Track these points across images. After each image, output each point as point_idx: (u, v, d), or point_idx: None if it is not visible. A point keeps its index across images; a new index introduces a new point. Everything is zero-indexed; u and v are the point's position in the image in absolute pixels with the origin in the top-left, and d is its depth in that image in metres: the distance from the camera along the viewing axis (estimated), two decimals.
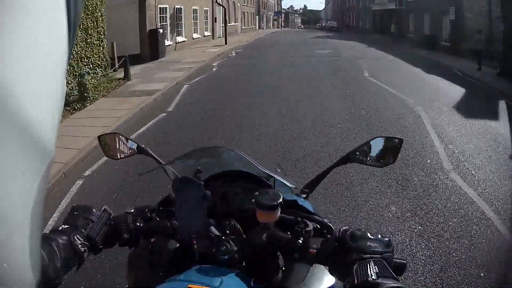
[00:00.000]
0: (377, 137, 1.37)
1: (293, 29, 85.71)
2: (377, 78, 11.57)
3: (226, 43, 23.04)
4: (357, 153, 1.38)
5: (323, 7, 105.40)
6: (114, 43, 11.96)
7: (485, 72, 13.55)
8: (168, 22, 19.40)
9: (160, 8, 18.28)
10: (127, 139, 1.50)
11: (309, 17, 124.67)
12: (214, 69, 14.40)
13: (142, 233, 1.09)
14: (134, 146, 1.49)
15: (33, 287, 0.47)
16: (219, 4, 26.41)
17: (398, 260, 0.95)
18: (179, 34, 21.23)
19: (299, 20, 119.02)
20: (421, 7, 27.98)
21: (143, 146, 1.49)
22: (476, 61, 14.51)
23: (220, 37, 28.92)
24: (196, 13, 24.19)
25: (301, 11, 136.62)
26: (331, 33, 44.78)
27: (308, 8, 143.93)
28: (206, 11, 26.56)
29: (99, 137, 1.51)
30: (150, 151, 1.48)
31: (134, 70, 13.17)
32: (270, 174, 1.19)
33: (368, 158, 1.37)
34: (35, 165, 0.44)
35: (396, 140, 1.37)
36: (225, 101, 9.18)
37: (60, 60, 0.48)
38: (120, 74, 11.97)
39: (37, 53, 0.43)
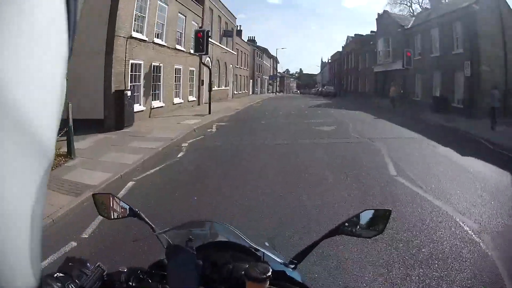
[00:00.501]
0: (366, 209, 1.38)
1: (289, 94, 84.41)
2: (410, 178, 7.22)
3: (209, 112, 18.75)
4: (347, 224, 1.36)
5: (319, 71, 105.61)
6: (70, 104, 8.42)
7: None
8: (142, 82, 15.85)
9: (132, 64, 14.80)
10: (120, 200, 1.50)
11: (305, 81, 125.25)
12: (179, 155, 9.81)
13: None
14: (127, 208, 1.48)
15: (33, 287, 0.48)
16: (204, 64, 22.90)
17: None
18: (155, 97, 17.62)
19: (294, 84, 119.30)
20: (430, 66, 25.59)
21: (137, 210, 1.48)
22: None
23: (207, 103, 26.15)
24: (180, 74, 20.83)
25: (296, 75, 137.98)
26: (329, 99, 42.44)
27: (304, 71, 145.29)
28: (191, 72, 23.21)
29: (93, 195, 1.53)
30: (143, 216, 1.46)
31: (88, 142, 10.61)
32: (259, 248, 1.23)
33: (357, 230, 1.36)
34: (35, 165, 0.45)
35: (385, 211, 1.40)
36: (175, 220, 4.67)
37: (60, 60, 0.49)
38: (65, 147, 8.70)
39: (37, 53, 0.44)
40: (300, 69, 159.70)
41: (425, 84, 26.68)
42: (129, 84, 14.47)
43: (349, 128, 14.99)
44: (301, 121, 17.83)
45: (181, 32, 20.78)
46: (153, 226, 1.41)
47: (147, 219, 1.43)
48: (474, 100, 19.83)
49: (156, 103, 17.55)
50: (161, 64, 17.63)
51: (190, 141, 11.89)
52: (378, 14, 45.52)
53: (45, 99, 0.46)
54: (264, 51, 64.30)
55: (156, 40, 17.14)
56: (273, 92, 68.15)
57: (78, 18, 0.53)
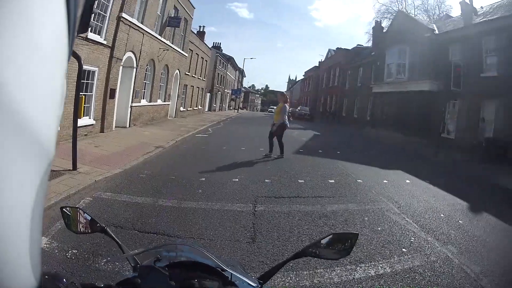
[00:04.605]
0: (333, 233, 1.42)
1: (253, 111, 74.84)
2: None
3: (74, 167, 7.50)
4: (313, 246, 1.39)
5: (287, 89, 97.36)
6: None
7: None
8: None
9: None
10: (88, 215, 1.45)
11: (270, 99, 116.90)
12: None
13: None
14: (95, 223, 1.43)
15: (33, 287, 0.48)
16: (118, 59, 12.50)
17: None
18: None
19: (259, 101, 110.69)
20: (478, 90, 17.31)
21: (104, 226, 1.43)
22: None
23: (121, 128, 15.31)
24: None
25: (262, 91, 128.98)
26: (307, 125, 31.57)
27: (270, 88, 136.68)
28: (92, 74, 12.42)
29: (61, 208, 1.44)
30: (110, 232, 1.44)
31: None
32: (226, 269, 1.22)
33: (324, 252, 1.39)
34: (35, 165, 0.45)
35: (351, 235, 1.43)
36: None
37: (60, 60, 0.49)
38: None
39: (37, 53, 0.44)
40: (266, 85, 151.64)
41: (466, 116, 18.21)
42: None
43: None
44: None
45: None
46: (120, 243, 1.40)
47: (114, 236, 1.41)
48: None
49: None
50: None
51: None
52: (376, 21, 39.23)
53: (45, 99, 0.46)
54: (230, 60, 53.71)
55: None
56: (235, 109, 57.73)
57: (78, 18, 0.53)
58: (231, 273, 1.21)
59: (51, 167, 0.49)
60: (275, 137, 11.62)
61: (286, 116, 11.56)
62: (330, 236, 1.39)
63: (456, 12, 55.77)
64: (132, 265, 1.26)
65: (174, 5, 20.98)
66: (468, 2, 21.99)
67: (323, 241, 1.38)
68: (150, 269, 1.11)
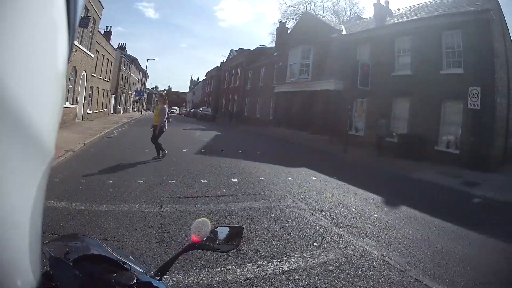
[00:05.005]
0: (219, 226, 1.53)
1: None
2: None
3: None
4: (204, 239, 1.43)
5: (189, 89, 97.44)
6: None
7: None
8: None
9: None
10: None
11: (173, 99, 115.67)
12: None
13: None
14: None
15: (33, 287, 0.48)
16: None
17: None
18: None
19: None
20: (389, 89, 18.54)
21: None
22: None
23: None
24: None
25: (164, 92, 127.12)
26: (208, 125, 32.27)
27: (173, 89, 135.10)
28: None
29: None
30: None
31: None
32: (125, 260, 1.30)
33: (214, 245, 1.45)
34: (35, 165, 0.45)
35: (237, 228, 1.56)
36: None
37: (60, 61, 0.49)
38: None
39: (37, 53, 0.44)
40: (169, 86, 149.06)
41: (376, 114, 18.37)
42: None
43: None
44: None
45: None
46: None
47: None
48: (485, 145, 13.73)
49: None
50: None
51: None
52: (281, 22, 38.64)
53: (45, 99, 0.46)
54: (134, 61, 52.16)
55: None
56: (138, 111, 56.65)
57: (78, 18, 0.53)
58: (130, 265, 1.29)
59: (51, 167, 0.49)
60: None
61: (166, 118, 11.37)
62: (217, 229, 1.47)
63: (369, 13, 53.89)
64: (47, 257, 1.28)
65: (85, 5, 20.74)
66: (384, 4, 23.55)
67: (213, 235, 1.45)
68: (59, 261, 1.16)
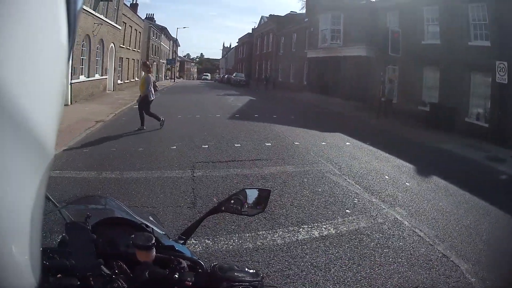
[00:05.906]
0: (246, 188, 1.45)
1: (189, 80, 73.54)
2: None
3: None
4: (232, 202, 1.41)
5: (222, 56, 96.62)
6: None
7: None
8: None
9: None
10: None
11: (206, 67, 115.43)
12: None
13: (49, 271, 1.07)
14: None
15: (33, 286, 0.48)
16: None
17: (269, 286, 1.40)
18: None
19: (195, 70, 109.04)
20: (420, 58, 17.33)
21: None
22: None
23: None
24: None
25: (197, 59, 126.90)
26: (243, 91, 31.92)
27: (206, 56, 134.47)
28: None
29: None
30: (46, 193, 1.23)
31: None
32: (145, 222, 1.29)
33: (239, 208, 1.41)
34: (35, 165, 0.45)
35: (264, 191, 1.49)
36: None
37: (60, 60, 0.49)
38: None
39: (37, 53, 0.44)
40: (201, 53, 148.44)
41: (408, 82, 18.14)
42: None
43: None
44: None
45: None
46: (55, 202, 1.40)
47: (49, 196, 1.35)
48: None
49: None
50: None
51: None
52: None
53: (45, 99, 0.46)
54: (163, 30, 51.93)
55: None
56: (171, 79, 56.82)
57: (78, 18, 0.53)
58: (153, 228, 1.27)
59: (51, 166, 0.50)
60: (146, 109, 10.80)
61: (152, 87, 10.75)
62: (243, 192, 1.43)
63: None
64: (67, 221, 1.28)
65: None
66: None
67: (241, 196, 1.42)
68: (74, 225, 1.13)
